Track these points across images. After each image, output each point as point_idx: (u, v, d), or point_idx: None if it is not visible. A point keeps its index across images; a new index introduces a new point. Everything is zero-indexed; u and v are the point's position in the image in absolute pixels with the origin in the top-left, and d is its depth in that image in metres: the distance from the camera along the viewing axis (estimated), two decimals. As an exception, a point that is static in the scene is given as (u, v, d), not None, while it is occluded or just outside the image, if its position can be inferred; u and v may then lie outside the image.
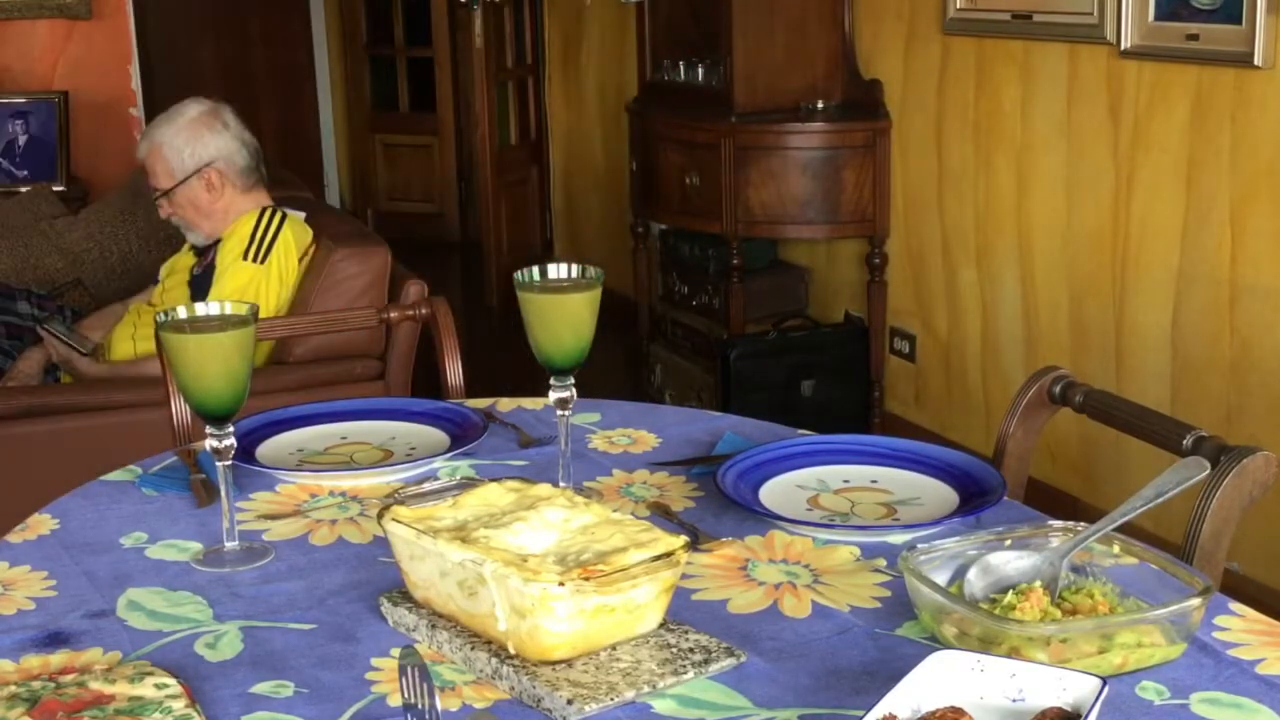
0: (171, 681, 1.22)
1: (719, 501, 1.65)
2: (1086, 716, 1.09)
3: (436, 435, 1.92)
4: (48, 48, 5.40)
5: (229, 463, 1.55)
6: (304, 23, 8.25)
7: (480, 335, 5.93)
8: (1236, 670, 1.25)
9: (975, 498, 1.63)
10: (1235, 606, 1.37)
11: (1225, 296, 3.31)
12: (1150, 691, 1.22)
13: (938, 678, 1.15)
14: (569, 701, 1.19)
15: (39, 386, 3.30)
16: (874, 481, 1.73)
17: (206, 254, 3.22)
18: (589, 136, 6.40)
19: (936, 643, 1.30)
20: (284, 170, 4.42)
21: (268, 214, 3.16)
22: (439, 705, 1.11)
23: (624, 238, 5.35)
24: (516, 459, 1.83)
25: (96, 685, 1.21)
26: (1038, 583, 1.35)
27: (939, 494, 1.68)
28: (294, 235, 3.18)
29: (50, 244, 4.17)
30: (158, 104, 3.76)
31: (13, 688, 1.21)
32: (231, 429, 1.55)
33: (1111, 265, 3.64)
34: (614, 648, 1.28)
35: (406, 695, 1.13)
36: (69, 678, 1.23)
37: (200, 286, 3.16)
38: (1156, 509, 1.41)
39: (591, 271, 1.65)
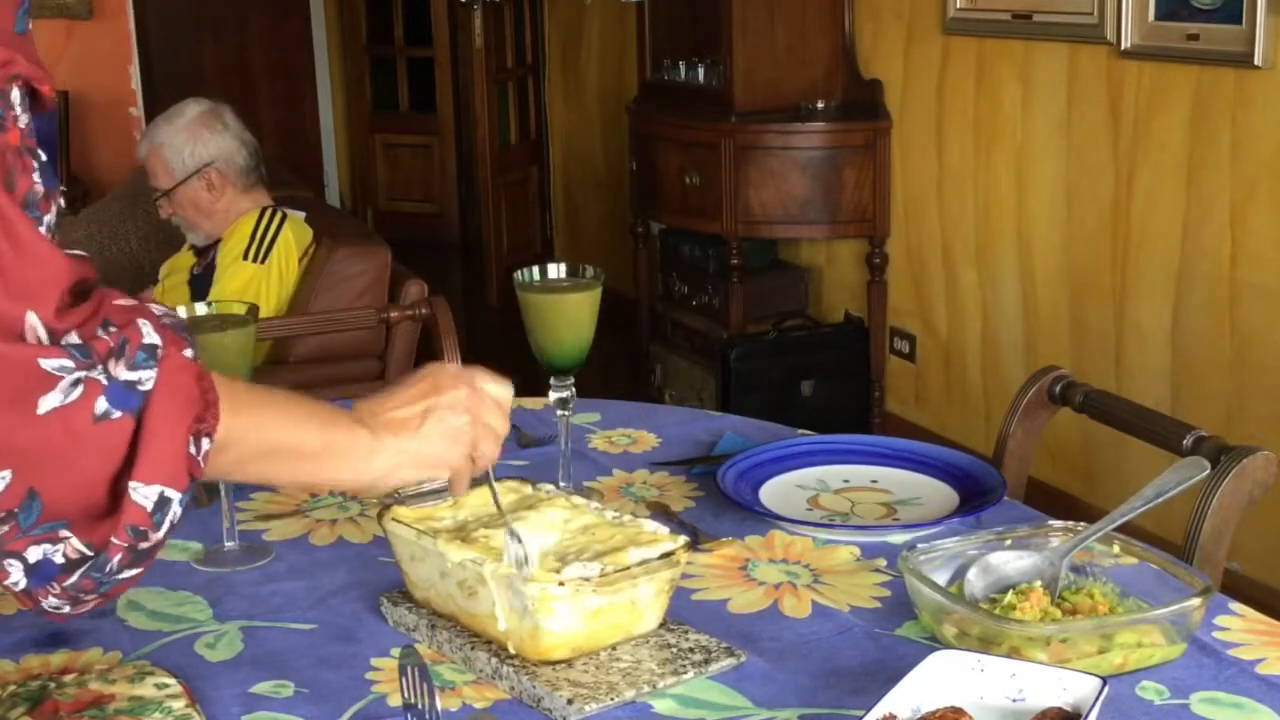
0: (171, 681, 1.22)
1: (719, 501, 1.65)
2: (1086, 716, 1.09)
3: (436, 435, 1.91)
4: (48, 48, 5.40)
5: (229, 463, 1.55)
6: (304, 23, 8.25)
7: (480, 335, 5.93)
8: (1236, 670, 1.25)
9: (975, 498, 1.63)
10: (1235, 606, 1.37)
11: (1225, 296, 3.31)
12: (1150, 691, 1.22)
13: (938, 678, 1.15)
14: (569, 701, 1.19)
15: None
16: (874, 481, 1.73)
17: (206, 253, 3.22)
18: (589, 136, 6.40)
19: (936, 643, 1.30)
20: (284, 170, 4.41)
21: (268, 214, 3.16)
22: (439, 705, 1.11)
23: (624, 238, 5.35)
24: (516, 459, 1.83)
25: (96, 685, 1.21)
26: (1038, 583, 1.35)
27: (939, 494, 1.68)
28: (294, 235, 3.18)
29: (50, 244, 4.17)
30: (158, 104, 3.76)
31: (13, 688, 1.21)
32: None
33: (1111, 265, 3.64)
34: (614, 648, 1.28)
35: (406, 695, 1.13)
36: (69, 678, 1.23)
37: (200, 286, 3.16)
38: (1156, 509, 1.41)
39: (591, 271, 1.65)
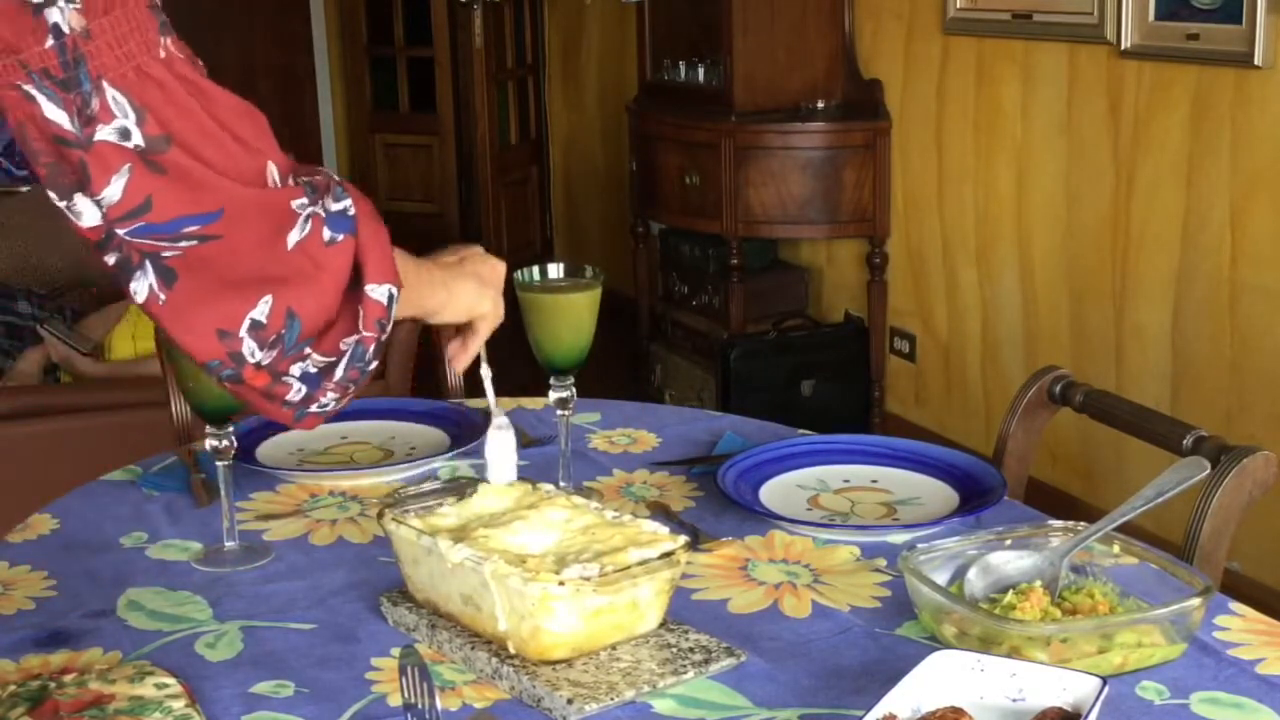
0: (171, 681, 1.22)
1: (719, 501, 1.65)
2: (1086, 716, 1.09)
3: (436, 435, 1.91)
4: (48, 48, 5.38)
5: (229, 462, 1.55)
6: (304, 23, 8.24)
7: (480, 335, 5.91)
8: (1236, 670, 1.25)
9: (975, 498, 1.63)
10: (1235, 606, 1.37)
11: (1225, 296, 3.31)
12: (1150, 691, 1.22)
13: (938, 678, 1.15)
14: (569, 701, 1.19)
15: (39, 386, 3.29)
16: (874, 481, 1.73)
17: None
18: (589, 136, 6.40)
19: (936, 643, 1.30)
20: (284, 170, 4.41)
21: (268, 214, 3.16)
22: (439, 705, 1.11)
23: (624, 238, 5.35)
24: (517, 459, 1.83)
25: (96, 685, 1.21)
26: (1038, 583, 1.35)
27: (939, 494, 1.68)
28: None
29: (50, 244, 4.17)
30: (158, 104, 3.75)
31: (13, 688, 1.21)
32: (231, 429, 1.55)
33: (1111, 265, 3.64)
34: (614, 647, 1.28)
35: (406, 695, 1.13)
36: (69, 678, 1.23)
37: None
38: (1156, 509, 1.41)
39: (591, 271, 1.65)
